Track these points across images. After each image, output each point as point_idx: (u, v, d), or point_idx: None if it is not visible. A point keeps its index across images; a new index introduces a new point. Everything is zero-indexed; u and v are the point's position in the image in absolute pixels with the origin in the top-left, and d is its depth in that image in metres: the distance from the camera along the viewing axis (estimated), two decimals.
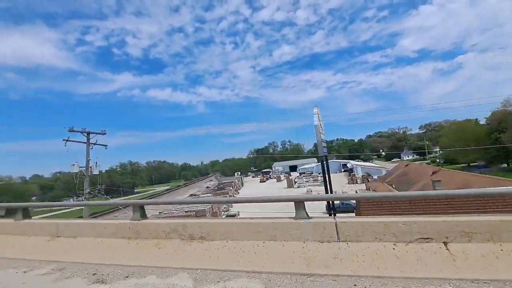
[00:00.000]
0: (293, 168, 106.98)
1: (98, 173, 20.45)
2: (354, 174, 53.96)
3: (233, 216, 29.31)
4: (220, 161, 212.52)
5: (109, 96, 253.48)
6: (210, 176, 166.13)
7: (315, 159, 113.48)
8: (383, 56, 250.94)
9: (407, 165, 29.68)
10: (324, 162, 12.45)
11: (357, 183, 51.51)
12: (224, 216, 31.98)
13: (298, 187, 55.07)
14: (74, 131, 19.70)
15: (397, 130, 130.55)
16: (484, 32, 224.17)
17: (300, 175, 74.38)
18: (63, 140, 19.53)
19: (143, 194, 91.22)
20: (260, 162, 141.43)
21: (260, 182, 79.58)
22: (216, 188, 63.00)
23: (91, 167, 19.97)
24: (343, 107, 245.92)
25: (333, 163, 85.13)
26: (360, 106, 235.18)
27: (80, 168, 19.83)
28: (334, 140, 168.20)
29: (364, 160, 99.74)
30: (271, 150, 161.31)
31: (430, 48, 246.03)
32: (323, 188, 49.32)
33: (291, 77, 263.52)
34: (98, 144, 20.68)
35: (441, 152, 76.35)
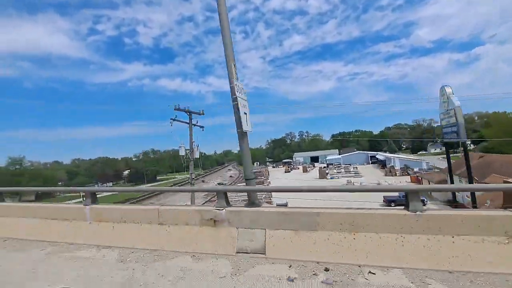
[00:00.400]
0: (315, 159, 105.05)
1: (197, 156, 19.24)
2: (393, 166, 51.70)
3: (284, 205, 27.99)
4: (233, 151, 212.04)
5: (119, 86, 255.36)
6: (227, 166, 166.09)
7: (337, 150, 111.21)
8: (397, 47, 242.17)
9: (481, 157, 27.32)
10: (464, 152, 10.64)
11: (395, 175, 49.33)
12: (274, 205, 30.68)
13: (331, 177, 53.32)
14: (179, 109, 18.97)
15: (422, 122, 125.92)
16: (503, 23, 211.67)
17: (327, 166, 72.48)
18: (170, 120, 18.71)
19: (166, 182, 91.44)
20: (279, 153, 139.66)
21: (285, 172, 78.17)
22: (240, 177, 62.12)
23: (194, 146, 18.86)
24: (354, 99, 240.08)
25: (360, 154, 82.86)
26: (371, 98, 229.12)
27: (180, 147, 18.82)
28: (352, 131, 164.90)
29: (390, 153, 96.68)
30: (288, 141, 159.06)
31: (446, 38, 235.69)
32: (360, 179, 47.06)
33: (301, 67, 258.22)
34: (198, 126, 19.82)
35: (477, 145, 72.73)
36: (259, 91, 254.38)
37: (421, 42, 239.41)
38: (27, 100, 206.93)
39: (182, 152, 18.91)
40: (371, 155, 79.29)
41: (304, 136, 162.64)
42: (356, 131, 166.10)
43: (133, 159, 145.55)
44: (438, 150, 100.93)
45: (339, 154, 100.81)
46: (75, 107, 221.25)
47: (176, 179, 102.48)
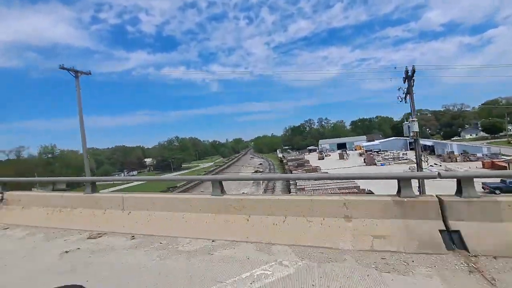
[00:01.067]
0: (342, 146, 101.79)
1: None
2: (452, 152, 48.37)
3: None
4: (243, 139, 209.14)
5: (124, 75, 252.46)
6: (244, 154, 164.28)
7: (364, 137, 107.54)
8: (406, 31, 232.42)
9: None
10: None
11: (456, 161, 46.08)
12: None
13: (382, 164, 50.36)
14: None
15: (451, 108, 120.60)
16: None
17: (366, 152, 69.34)
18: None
19: (194, 170, 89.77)
20: (299, 140, 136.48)
21: (319, 159, 75.34)
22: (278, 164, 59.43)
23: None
24: (361, 85, 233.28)
25: (396, 140, 79.27)
26: (378, 84, 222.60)
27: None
28: (373, 118, 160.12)
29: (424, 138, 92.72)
30: (307, 128, 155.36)
31: (457, 21, 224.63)
32: (409, 166, 42.94)
33: (307, 54, 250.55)
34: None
35: None
36: (263, 78, 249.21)
37: (431, 26, 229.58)
38: (32, 90, 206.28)
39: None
40: (410, 141, 75.52)
41: (323, 123, 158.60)
42: (376, 117, 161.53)
43: (147, 148, 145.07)
44: (474, 136, 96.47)
45: (368, 141, 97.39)
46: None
47: (199, 167, 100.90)
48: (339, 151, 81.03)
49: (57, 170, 67.02)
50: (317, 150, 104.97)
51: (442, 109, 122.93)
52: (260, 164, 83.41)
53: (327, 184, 24.42)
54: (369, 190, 28.38)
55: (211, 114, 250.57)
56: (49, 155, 67.84)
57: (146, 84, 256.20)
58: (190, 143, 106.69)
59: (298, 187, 25.07)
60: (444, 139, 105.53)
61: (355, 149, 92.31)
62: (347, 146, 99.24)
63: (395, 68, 22.45)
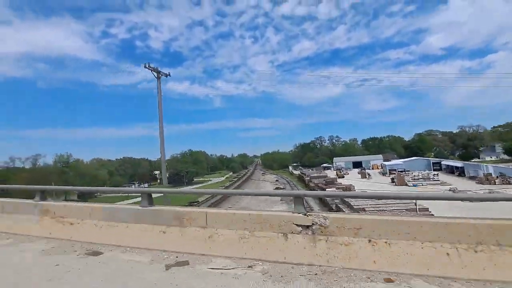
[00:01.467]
0: (358, 164, 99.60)
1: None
2: (490, 174, 46.21)
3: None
4: (248, 154, 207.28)
5: (130, 88, 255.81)
6: (253, 169, 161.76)
7: (381, 156, 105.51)
8: (407, 53, 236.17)
9: None
10: None
11: (494, 183, 43.77)
12: None
13: (415, 185, 48.11)
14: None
15: (467, 129, 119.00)
16: None
17: (390, 171, 67.19)
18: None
19: (205, 184, 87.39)
20: (310, 157, 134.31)
21: (338, 177, 73.02)
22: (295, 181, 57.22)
23: None
24: (362, 105, 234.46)
25: (419, 161, 77.21)
26: (379, 104, 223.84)
27: None
28: (384, 137, 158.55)
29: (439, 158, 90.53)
30: (318, 145, 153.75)
31: (458, 46, 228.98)
32: (442, 187, 40.40)
33: (310, 72, 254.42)
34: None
35: None
36: (266, 95, 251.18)
37: (432, 50, 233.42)
38: (40, 100, 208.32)
39: None
40: (433, 161, 73.45)
41: (334, 141, 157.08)
42: (387, 136, 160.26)
43: (154, 160, 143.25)
44: (494, 158, 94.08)
45: (385, 160, 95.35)
46: (86, 108, 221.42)
47: (211, 181, 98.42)
48: (356, 170, 78.86)
49: (71, 179, 65.18)
50: (332, 168, 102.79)
51: (457, 130, 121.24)
52: (277, 180, 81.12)
53: (388, 204, 22.36)
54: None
55: (214, 129, 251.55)
56: (63, 164, 66.24)
57: (150, 96, 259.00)
58: (203, 156, 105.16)
59: (356, 207, 22.99)
60: (464, 160, 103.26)
61: (372, 168, 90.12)
62: (363, 165, 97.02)
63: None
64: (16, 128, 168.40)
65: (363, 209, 22.27)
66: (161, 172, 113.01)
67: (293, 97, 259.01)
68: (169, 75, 19.56)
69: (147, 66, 17.75)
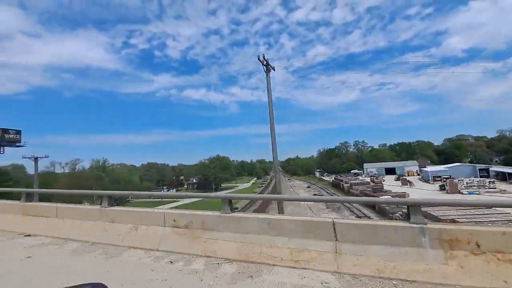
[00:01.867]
0: (391, 171, 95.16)
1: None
2: None
3: None
4: (266, 160, 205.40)
5: (149, 96, 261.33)
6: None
7: (416, 162, 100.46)
8: (426, 56, 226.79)
9: None
10: None
11: None
12: None
13: (471, 193, 44.40)
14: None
15: (507, 133, 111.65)
16: None
17: (433, 179, 63.26)
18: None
19: (235, 190, 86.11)
20: (336, 163, 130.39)
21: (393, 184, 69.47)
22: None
23: None
24: (379, 110, 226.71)
25: (462, 167, 72.39)
26: (398, 109, 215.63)
27: None
28: (412, 142, 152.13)
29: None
30: (343, 151, 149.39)
31: (480, 47, 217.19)
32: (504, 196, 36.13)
33: (325, 78, 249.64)
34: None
35: None
36: (281, 101, 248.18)
37: (453, 52, 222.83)
38: (65, 108, 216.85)
39: None
40: (479, 167, 68.52)
41: (360, 146, 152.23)
42: (416, 141, 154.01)
43: (173, 166, 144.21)
44: None
45: (420, 167, 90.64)
46: (107, 115, 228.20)
47: (238, 187, 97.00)
48: (390, 176, 74.99)
49: (105, 184, 65.88)
50: (363, 174, 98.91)
51: (496, 135, 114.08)
52: (308, 187, 78.64)
53: (486, 215, 19.75)
54: None
55: (229, 135, 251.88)
56: (100, 169, 67.10)
57: (168, 104, 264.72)
58: (232, 163, 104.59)
59: (441, 217, 20.54)
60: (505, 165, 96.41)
61: (408, 175, 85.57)
62: (396, 171, 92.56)
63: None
64: (40, 134, 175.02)
65: (453, 220, 19.81)
66: (187, 178, 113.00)
67: (307, 102, 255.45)
68: (273, 69, 18.24)
69: (260, 59, 16.53)
